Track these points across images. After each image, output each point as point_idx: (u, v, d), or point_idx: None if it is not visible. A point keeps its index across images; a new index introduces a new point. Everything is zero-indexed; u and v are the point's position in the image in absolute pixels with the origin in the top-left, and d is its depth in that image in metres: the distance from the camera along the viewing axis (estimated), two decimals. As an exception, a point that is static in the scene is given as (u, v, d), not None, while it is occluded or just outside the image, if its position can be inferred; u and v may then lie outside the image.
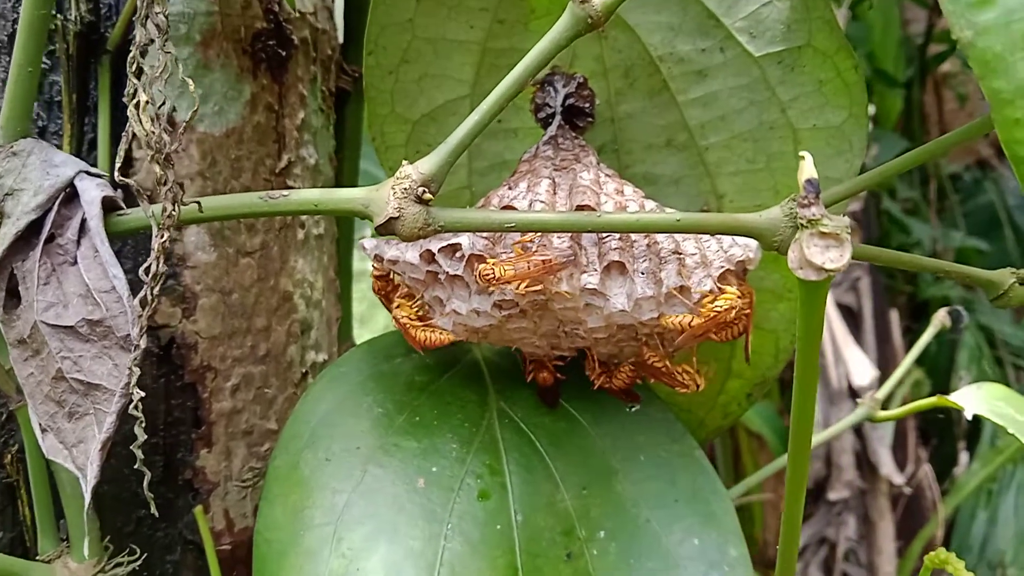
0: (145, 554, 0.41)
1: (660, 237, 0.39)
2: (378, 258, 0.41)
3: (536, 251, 0.37)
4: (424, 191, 0.34)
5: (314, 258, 0.51)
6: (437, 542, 0.41)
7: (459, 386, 0.47)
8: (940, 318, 0.63)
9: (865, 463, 1.67)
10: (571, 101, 0.43)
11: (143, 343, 0.33)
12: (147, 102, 0.30)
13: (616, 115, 0.44)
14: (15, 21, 0.44)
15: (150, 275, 0.32)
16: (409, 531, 0.41)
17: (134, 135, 0.45)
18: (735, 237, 0.40)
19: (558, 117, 0.43)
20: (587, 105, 0.44)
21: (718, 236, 0.40)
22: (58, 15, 0.43)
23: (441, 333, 0.40)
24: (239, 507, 0.47)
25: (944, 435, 1.92)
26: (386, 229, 0.34)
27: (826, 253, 0.24)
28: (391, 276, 0.43)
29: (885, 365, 1.74)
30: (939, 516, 1.65)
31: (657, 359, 0.41)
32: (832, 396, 1.51)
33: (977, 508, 1.70)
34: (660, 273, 0.38)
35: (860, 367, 1.45)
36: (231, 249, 0.47)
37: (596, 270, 0.38)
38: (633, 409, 0.49)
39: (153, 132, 0.30)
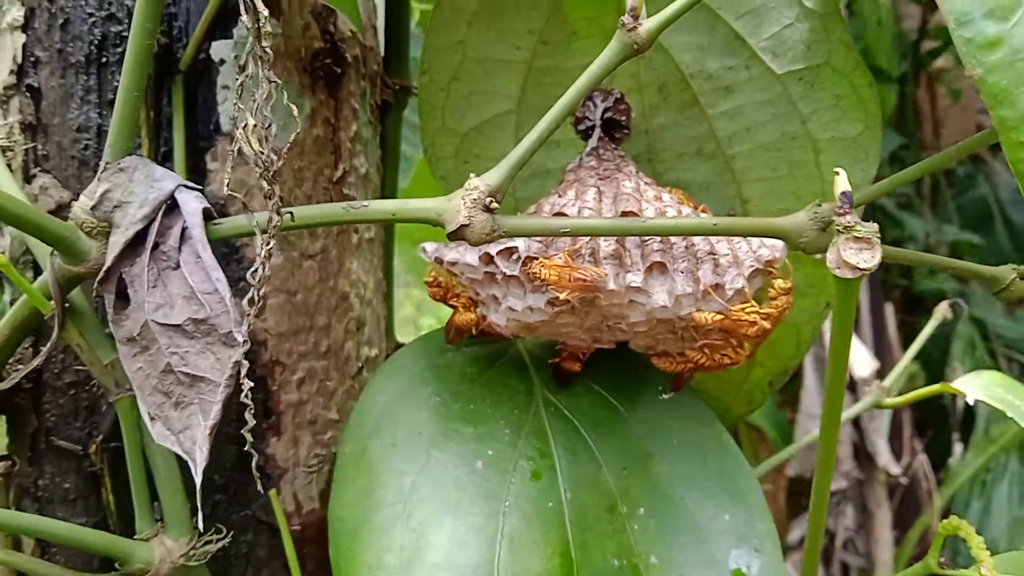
0: (231, 533, 0.45)
1: (697, 239, 0.43)
2: (438, 260, 0.45)
3: (582, 259, 0.41)
4: (491, 201, 0.38)
5: (366, 260, 0.55)
6: (497, 518, 0.45)
7: (507, 376, 0.51)
8: (942, 311, 0.67)
9: (863, 454, 1.71)
10: (609, 115, 0.48)
11: (244, 339, 0.37)
12: (255, 125, 0.34)
13: (650, 127, 0.48)
14: (92, 42, 0.48)
15: (257, 279, 0.36)
16: (471, 508, 0.45)
17: (208, 149, 0.49)
18: (763, 239, 0.44)
19: (598, 130, 0.47)
20: (624, 118, 0.48)
21: (748, 238, 0.44)
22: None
23: (469, 316, 0.45)
24: (306, 491, 0.51)
25: (939, 426, 1.96)
26: (457, 235, 0.38)
27: (860, 255, 0.29)
28: (441, 279, 0.48)
29: (881, 357, 1.79)
30: (935, 505, 1.70)
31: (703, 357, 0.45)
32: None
33: (971, 497, 1.74)
34: (698, 272, 0.42)
35: (861, 359, 1.50)
36: (295, 253, 0.51)
37: (640, 270, 0.42)
38: (664, 397, 0.53)
39: (261, 152, 0.34)
